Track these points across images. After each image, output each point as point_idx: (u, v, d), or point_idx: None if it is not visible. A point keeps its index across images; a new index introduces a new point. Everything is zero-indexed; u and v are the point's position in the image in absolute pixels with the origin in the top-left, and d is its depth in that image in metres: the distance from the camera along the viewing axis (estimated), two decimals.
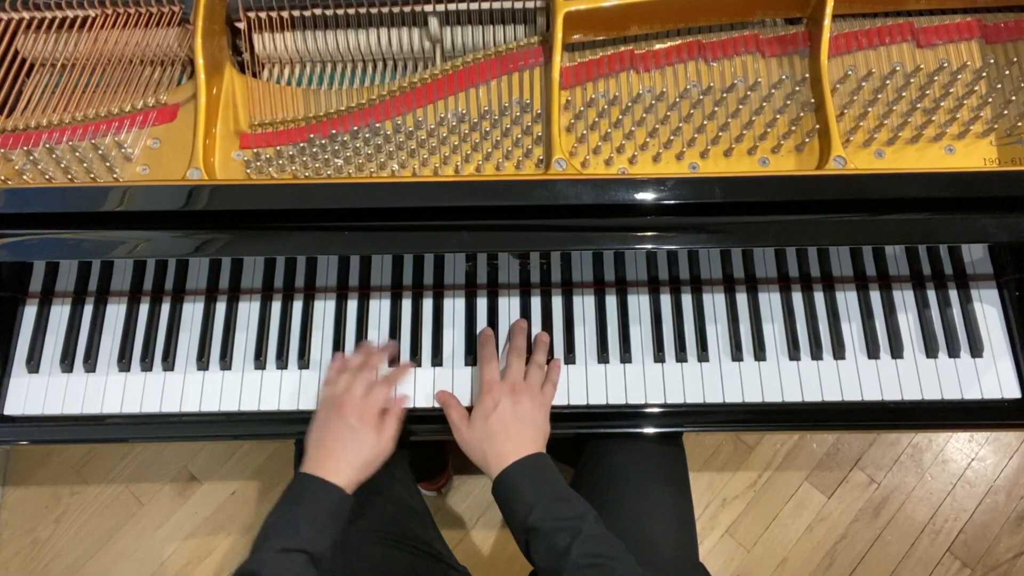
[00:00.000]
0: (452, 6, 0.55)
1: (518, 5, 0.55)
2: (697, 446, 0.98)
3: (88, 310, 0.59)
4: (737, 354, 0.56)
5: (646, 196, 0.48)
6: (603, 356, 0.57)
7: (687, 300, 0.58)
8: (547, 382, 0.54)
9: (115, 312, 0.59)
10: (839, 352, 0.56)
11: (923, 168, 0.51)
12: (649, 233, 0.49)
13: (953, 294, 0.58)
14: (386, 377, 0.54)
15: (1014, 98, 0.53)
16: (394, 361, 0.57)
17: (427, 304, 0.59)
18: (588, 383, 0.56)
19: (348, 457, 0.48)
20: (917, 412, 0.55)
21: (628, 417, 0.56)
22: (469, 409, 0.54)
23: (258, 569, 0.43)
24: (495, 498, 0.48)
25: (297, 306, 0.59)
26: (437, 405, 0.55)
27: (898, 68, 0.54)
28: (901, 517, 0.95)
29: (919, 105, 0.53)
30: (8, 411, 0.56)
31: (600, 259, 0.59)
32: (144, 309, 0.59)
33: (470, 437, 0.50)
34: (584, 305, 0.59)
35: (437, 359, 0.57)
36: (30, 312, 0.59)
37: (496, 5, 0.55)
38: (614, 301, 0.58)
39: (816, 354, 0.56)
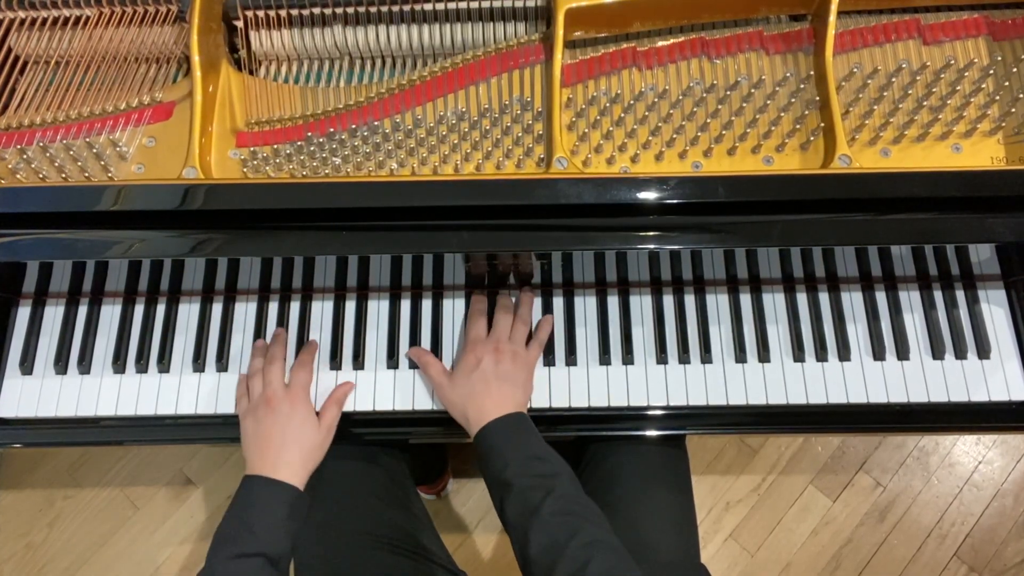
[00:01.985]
0: (452, 4, 0.54)
1: (519, 3, 0.54)
2: (700, 449, 0.97)
3: (82, 311, 0.58)
4: (741, 355, 0.56)
5: (649, 195, 0.47)
6: (605, 357, 0.56)
7: (690, 301, 0.57)
8: (534, 341, 0.53)
9: (110, 313, 0.58)
10: (844, 353, 0.55)
11: (929, 167, 0.50)
12: (652, 233, 0.48)
13: (960, 295, 0.57)
14: (298, 362, 0.53)
15: (1022, 96, 0.52)
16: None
17: (426, 305, 0.58)
18: (590, 385, 0.55)
19: (292, 449, 0.47)
20: (923, 414, 0.55)
21: (630, 419, 0.55)
22: None
23: None
24: (475, 454, 0.48)
25: (295, 307, 0.58)
26: (437, 407, 0.54)
27: (904, 65, 0.54)
28: (907, 521, 0.94)
29: (925, 103, 0.52)
30: (1, 413, 0.55)
31: (602, 259, 0.58)
32: (139, 310, 0.58)
33: (451, 394, 0.50)
34: (586, 306, 0.58)
35: None
36: (23, 313, 0.58)
37: (496, 3, 0.54)
38: (616, 302, 0.58)
39: (821, 355, 0.56)
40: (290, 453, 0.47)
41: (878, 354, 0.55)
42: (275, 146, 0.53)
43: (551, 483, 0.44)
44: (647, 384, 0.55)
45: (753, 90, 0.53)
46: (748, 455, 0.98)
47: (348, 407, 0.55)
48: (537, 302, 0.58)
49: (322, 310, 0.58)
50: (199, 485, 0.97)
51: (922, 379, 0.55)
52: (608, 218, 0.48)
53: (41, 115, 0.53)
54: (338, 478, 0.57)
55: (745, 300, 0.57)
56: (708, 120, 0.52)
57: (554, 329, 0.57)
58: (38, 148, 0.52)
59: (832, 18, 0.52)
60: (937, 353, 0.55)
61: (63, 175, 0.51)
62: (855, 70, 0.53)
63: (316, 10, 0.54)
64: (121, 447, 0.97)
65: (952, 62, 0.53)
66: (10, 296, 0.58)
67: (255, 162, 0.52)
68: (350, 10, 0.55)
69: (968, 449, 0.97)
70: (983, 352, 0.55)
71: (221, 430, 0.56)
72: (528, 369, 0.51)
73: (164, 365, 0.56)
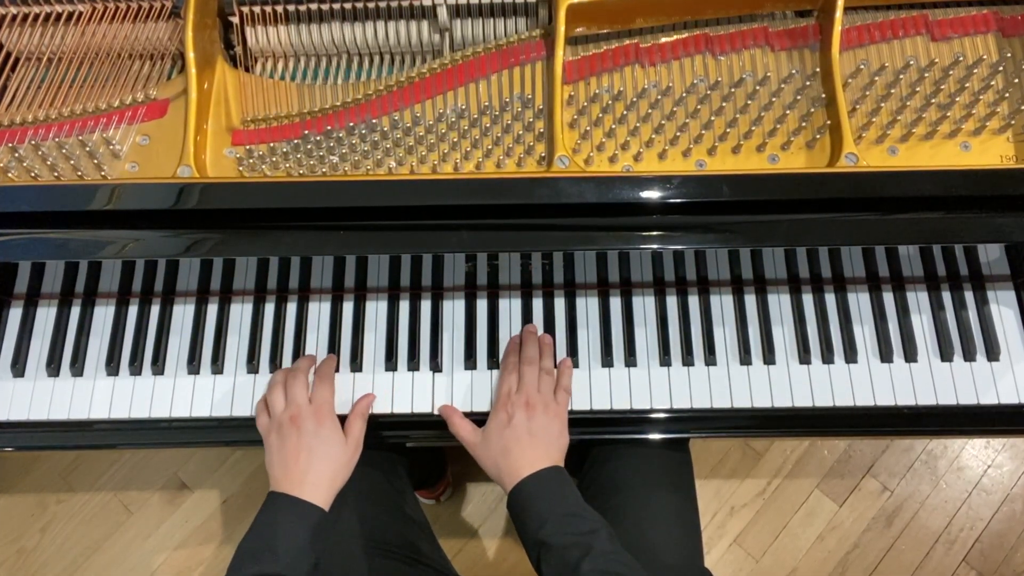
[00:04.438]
0: (452, 0, 0.53)
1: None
2: (704, 452, 0.96)
3: (75, 312, 0.57)
4: (746, 357, 0.55)
5: (651, 194, 0.46)
6: (607, 360, 0.55)
7: (694, 302, 0.57)
8: (559, 388, 0.52)
9: (103, 314, 0.57)
10: (851, 356, 0.55)
11: (938, 165, 0.50)
12: (655, 233, 0.48)
13: (969, 296, 0.56)
14: (319, 376, 0.51)
15: None
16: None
17: (425, 306, 0.57)
18: (592, 388, 0.54)
19: (319, 468, 0.46)
20: (931, 417, 0.54)
21: (633, 423, 0.54)
22: (470, 415, 0.52)
23: None
24: (509, 512, 0.47)
25: (291, 308, 0.57)
26: (436, 411, 0.54)
27: (912, 62, 0.53)
28: (915, 526, 0.93)
29: (933, 100, 0.51)
30: None
31: (604, 260, 0.58)
32: (133, 311, 0.57)
33: (484, 453, 0.49)
34: (588, 307, 0.57)
35: (435, 363, 0.55)
36: (15, 314, 0.57)
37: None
38: (618, 303, 0.57)
39: (827, 358, 0.55)
40: (316, 472, 0.46)
41: (885, 356, 0.55)
42: (271, 144, 0.52)
43: (589, 540, 0.43)
44: (650, 386, 0.54)
45: (758, 87, 0.52)
46: (753, 459, 0.96)
47: (345, 410, 0.54)
48: (539, 304, 0.57)
49: (319, 311, 0.57)
50: (194, 489, 0.96)
51: (930, 381, 0.54)
52: (611, 217, 0.48)
53: (33, 113, 0.52)
54: None
55: (750, 301, 0.57)
56: (712, 118, 0.51)
57: (556, 330, 0.56)
58: (30, 146, 0.51)
59: (838, 14, 0.51)
60: (945, 355, 0.54)
61: (56, 174, 0.50)
62: (862, 67, 0.52)
63: (314, 6, 0.54)
64: (115, 451, 0.96)
65: (961, 59, 0.52)
66: (2, 297, 0.57)
67: (251, 160, 0.51)
68: (348, 6, 0.54)
69: (977, 453, 0.96)
70: (992, 354, 0.54)
71: (216, 433, 0.55)
72: (561, 420, 0.51)
73: (158, 367, 0.55)
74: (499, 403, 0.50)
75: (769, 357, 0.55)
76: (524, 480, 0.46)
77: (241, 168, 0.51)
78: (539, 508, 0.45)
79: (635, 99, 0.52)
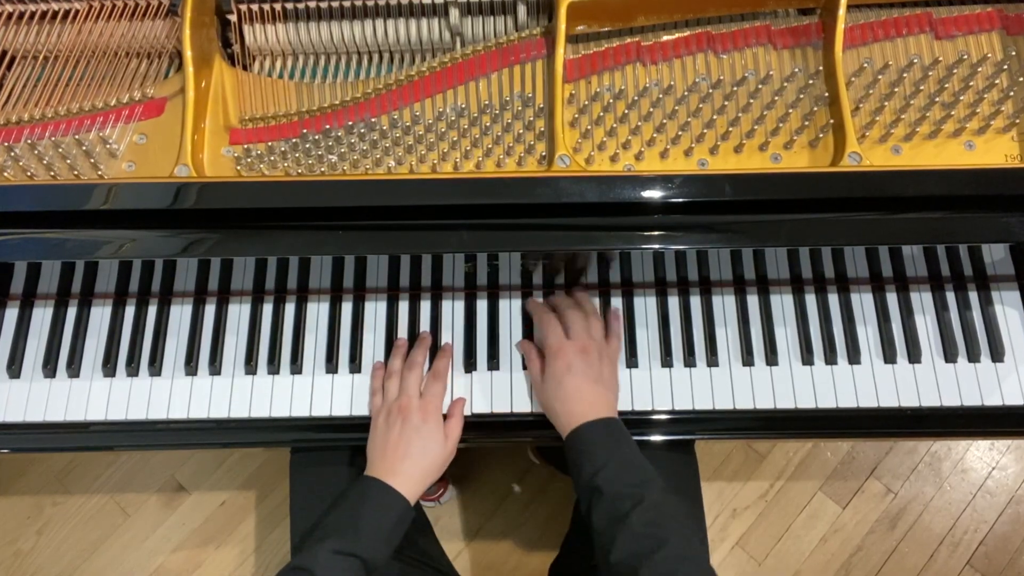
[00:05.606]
0: None
1: None
2: (706, 454, 0.96)
3: (71, 313, 0.57)
4: (748, 358, 0.54)
5: (653, 194, 0.46)
6: None
7: (696, 302, 0.56)
8: (612, 335, 0.53)
9: (100, 315, 0.57)
10: (854, 356, 0.54)
11: (942, 165, 0.49)
12: (656, 233, 0.47)
13: (973, 296, 0.56)
14: (434, 372, 0.53)
15: None
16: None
17: (425, 307, 0.57)
18: None
19: (414, 460, 0.48)
20: (935, 419, 0.53)
21: (635, 424, 0.53)
22: (469, 417, 0.52)
23: (310, 566, 0.42)
24: (566, 454, 0.48)
25: (290, 308, 0.57)
26: None
27: (916, 61, 0.53)
28: (919, 528, 0.92)
29: (937, 99, 0.51)
30: None
31: (605, 260, 0.57)
32: (130, 312, 0.57)
33: (543, 396, 0.51)
34: None
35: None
36: (11, 315, 0.57)
37: None
38: (620, 303, 0.56)
39: (830, 358, 0.54)
40: (409, 464, 0.47)
41: (889, 357, 0.54)
42: (269, 143, 0.52)
43: (641, 492, 0.44)
44: (652, 388, 0.54)
45: (760, 86, 0.52)
46: (755, 460, 0.96)
47: (343, 411, 0.54)
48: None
49: (318, 312, 0.57)
50: (191, 491, 0.95)
51: (934, 382, 0.54)
52: (612, 217, 0.47)
53: (29, 111, 0.52)
54: (334, 482, 0.56)
55: (752, 301, 0.56)
56: (714, 117, 0.51)
57: None
58: (26, 146, 0.51)
59: (842, 12, 0.51)
60: (949, 356, 0.54)
61: (52, 173, 0.50)
62: (865, 65, 0.52)
63: (312, 3, 0.53)
64: (111, 453, 0.96)
65: (965, 57, 0.52)
66: None
67: (249, 160, 0.51)
68: (347, 4, 0.53)
69: (981, 455, 0.96)
70: (997, 355, 0.54)
71: (214, 435, 0.54)
72: (614, 365, 0.52)
73: (155, 368, 0.55)
74: (553, 353, 0.50)
75: (772, 358, 0.54)
76: (581, 427, 0.47)
77: (239, 167, 0.51)
78: (594, 455, 0.46)
79: (636, 98, 0.52)
